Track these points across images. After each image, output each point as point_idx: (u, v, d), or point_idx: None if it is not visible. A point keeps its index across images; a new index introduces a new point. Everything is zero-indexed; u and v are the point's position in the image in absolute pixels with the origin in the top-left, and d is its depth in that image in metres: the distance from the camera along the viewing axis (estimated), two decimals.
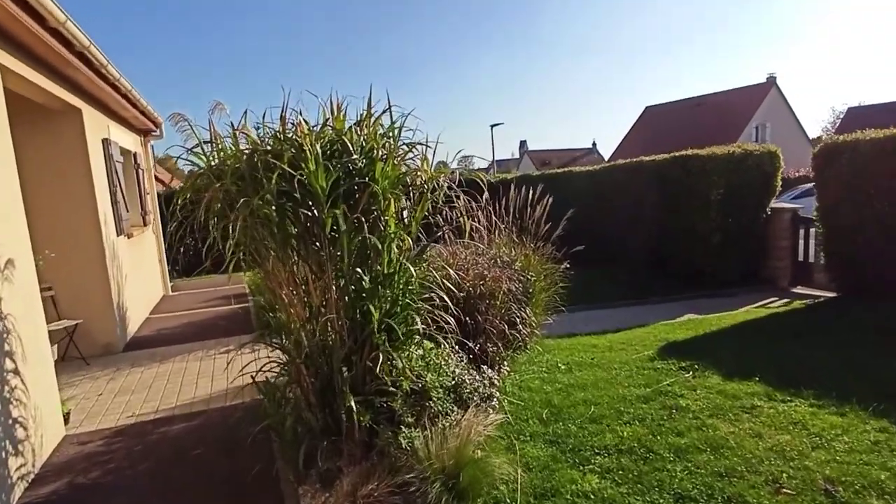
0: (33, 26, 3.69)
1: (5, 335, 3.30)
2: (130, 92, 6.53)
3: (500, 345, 4.57)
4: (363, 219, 2.96)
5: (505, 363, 4.61)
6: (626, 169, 10.76)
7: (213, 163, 3.37)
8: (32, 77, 4.32)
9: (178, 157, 3.38)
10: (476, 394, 3.36)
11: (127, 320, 6.77)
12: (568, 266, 5.34)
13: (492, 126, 29.96)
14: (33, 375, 3.60)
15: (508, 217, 5.39)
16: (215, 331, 6.98)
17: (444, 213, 4.08)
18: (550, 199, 5.29)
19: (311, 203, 3.00)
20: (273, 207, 2.92)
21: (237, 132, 3.33)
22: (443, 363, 3.39)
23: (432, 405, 3.09)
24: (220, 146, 3.38)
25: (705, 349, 5.08)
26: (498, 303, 4.59)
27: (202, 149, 3.36)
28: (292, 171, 2.84)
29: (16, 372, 3.37)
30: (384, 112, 3.36)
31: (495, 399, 3.43)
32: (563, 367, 4.77)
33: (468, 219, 3.88)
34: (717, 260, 8.90)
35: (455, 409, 3.22)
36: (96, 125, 6.34)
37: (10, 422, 3.23)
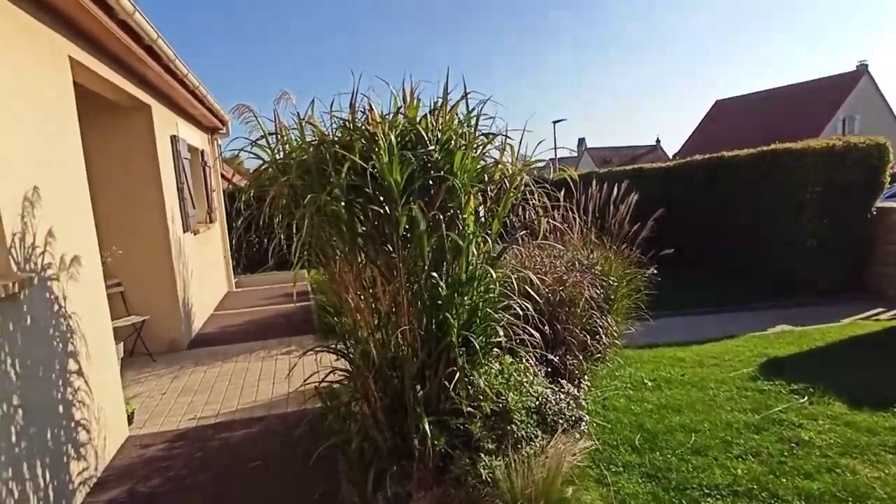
0: (101, 17, 3.60)
1: (70, 335, 3.21)
2: (198, 88, 6.52)
3: (580, 357, 4.13)
4: (440, 216, 2.63)
5: (585, 377, 4.17)
6: (704, 165, 9.93)
7: (277, 156, 3.14)
8: (102, 71, 4.28)
9: (239, 150, 3.16)
10: (562, 416, 2.95)
11: (192, 317, 6.80)
12: (655, 271, 4.80)
13: (554, 122, 29.39)
14: (98, 376, 3.51)
15: (587, 216, 4.92)
16: (277, 329, 6.90)
17: (518, 211, 3.70)
18: (636, 197, 4.77)
19: (383, 199, 2.70)
20: (342, 204, 2.63)
21: (303, 123, 3.07)
22: (524, 380, 3.00)
23: (515, 429, 2.71)
24: (285, 138, 3.14)
25: (816, 368, 4.42)
26: (579, 310, 4.15)
27: (266, 140, 3.13)
28: (364, 164, 2.54)
29: (80, 373, 3.27)
30: (461, 99, 3.02)
31: (584, 422, 3.01)
32: (649, 384, 4.26)
33: (544, 218, 3.47)
34: (812, 266, 7.99)
35: (539, 433, 2.84)
36: (165, 122, 6.37)
37: (73, 424, 3.13)
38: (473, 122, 2.99)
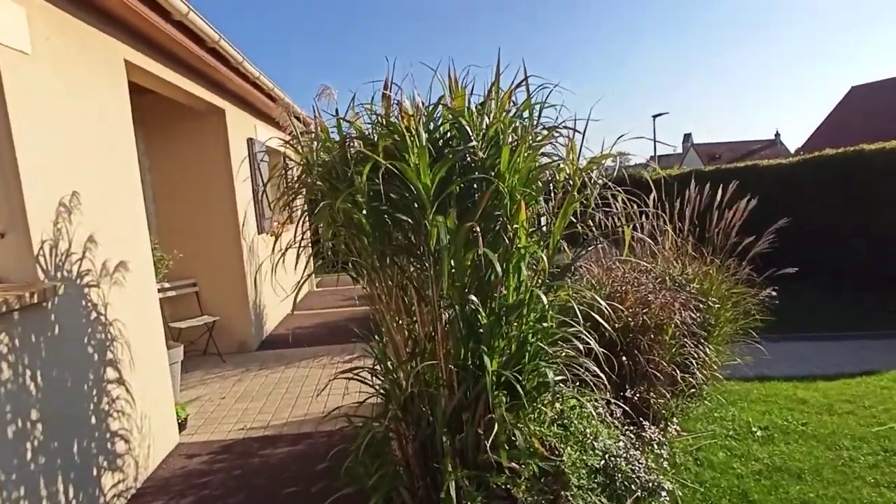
0: (155, 19, 3.52)
1: (109, 343, 3.12)
2: (273, 90, 6.52)
3: (667, 394, 3.43)
4: (479, 228, 2.14)
5: (674, 419, 3.45)
6: (838, 161, 8.42)
7: (312, 157, 2.82)
8: (164, 74, 4.26)
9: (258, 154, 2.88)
10: (635, 483, 2.34)
11: (264, 318, 6.84)
12: (774, 294, 3.91)
13: (654, 116, 26.88)
14: (142, 384, 3.42)
15: (683, 224, 4.14)
16: (343, 334, 6.74)
17: (598, 218, 3.10)
18: (751, 203, 3.92)
19: (416, 206, 2.27)
20: (363, 211, 2.23)
21: (341, 120, 2.72)
22: (588, 430, 2.42)
23: (571, 498, 2.15)
24: (323, 137, 2.81)
25: None
26: (667, 338, 3.45)
27: (298, 140, 2.83)
28: (391, 165, 2.13)
29: (119, 381, 3.19)
30: (519, 85, 2.50)
31: (664, 492, 2.36)
32: (759, 433, 3.45)
33: (628, 225, 2.83)
34: None
35: (604, 501, 2.25)
36: (241, 125, 6.43)
37: (108, 435, 3.03)
38: (529, 112, 2.47)
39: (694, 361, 3.57)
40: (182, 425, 4.10)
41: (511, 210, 2.27)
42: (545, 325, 2.30)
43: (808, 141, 30.90)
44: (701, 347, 3.67)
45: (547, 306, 2.13)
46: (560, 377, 2.33)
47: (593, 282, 3.58)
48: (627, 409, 3.15)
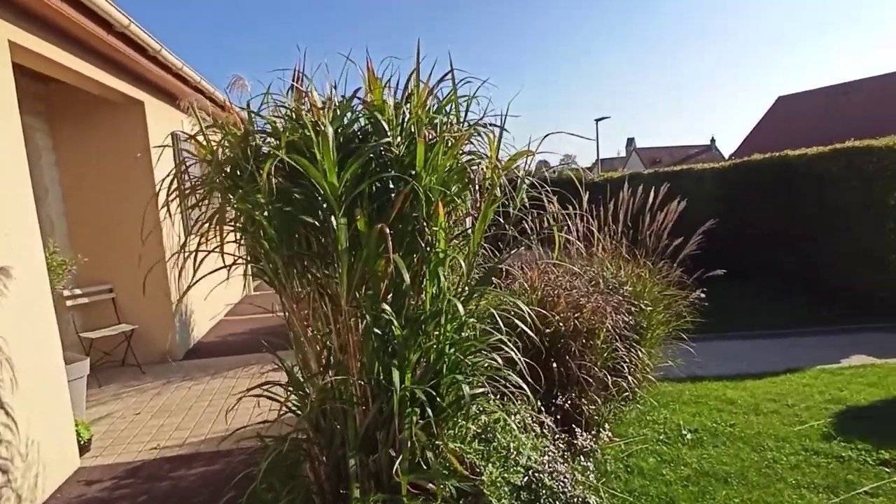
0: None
1: None
2: (200, 83, 6.12)
3: (599, 399, 3.38)
4: (395, 231, 1.97)
5: (606, 425, 3.40)
6: (765, 166, 8.78)
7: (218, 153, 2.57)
8: (69, 62, 3.86)
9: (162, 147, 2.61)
10: (560, 498, 2.23)
11: (191, 324, 6.42)
12: (703, 296, 3.95)
13: (597, 120, 27.53)
14: (28, 405, 3.05)
15: (617, 226, 4.13)
16: (279, 339, 6.42)
17: (531, 219, 3.00)
18: (681, 205, 3.94)
19: (326, 206, 2.07)
20: (265, 213, 2.02)
21: (252, 113, 2.49)
22: (512, 444, 2.30)
23: None
24: (227, 132, 2.56)
25: None
26: (599, 342, 3.39)
27: (204, 135, 2.57)
28: (292, 161, 1.93)
29: None
30: (443, 78, 2.35)
31: None
32: (688, 436, 3.45)
33: (561, 227, 2.73)
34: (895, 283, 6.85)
35: None
36: (165, 118, 6.00)
37: None
38: (455, 106, 2.33)
39: (626, 365, 3.54)
40: (85, 447, 3.71)
41: (428, 211, 2.12)
42: (464, 334, 2.16)
43: (739, 147, 32.57)
44: (633, 351, 3.64)
45: (464, 316, 1.98)
46: (482, 389, 2.19)
47: (526, 285, 3.48)
48: (559, 416, 3.08)
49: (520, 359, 2.11)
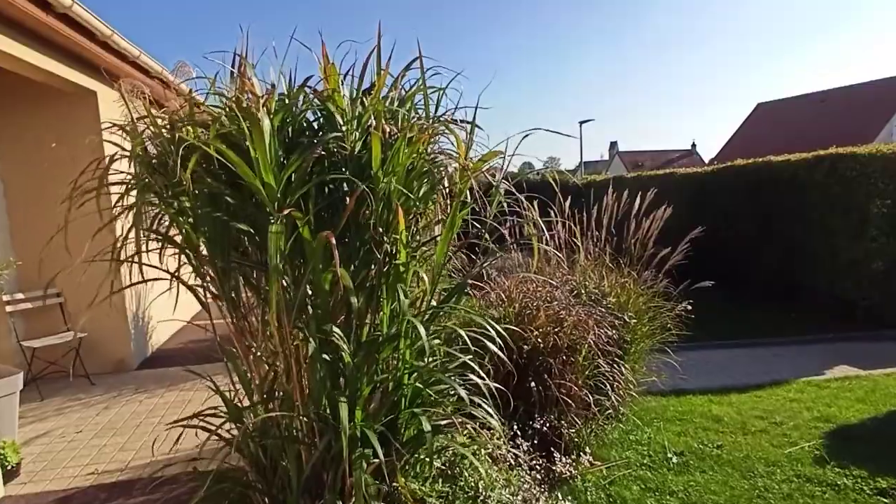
0: None
1: None
2: (162, 73, 5.73)
3: (579, 421, 3.13)
4: (345, 241, 1.69)
5: (587, 448, 3.15)
6: (748, 171, 8.69)
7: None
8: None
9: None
10: None
11: (149, 331, 6.03)
12: (689, 308, 3.73)
13: (580, 123, 27.35)
14: None
15: (601, 233, 3.89)
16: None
17: (511, 225, 2.74)
18: (667, 211, 3.71)
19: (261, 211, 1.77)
20: (189, 219, 1.72)
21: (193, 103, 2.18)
22: (480, 482, 2.03)
23: None
24: (151, 122, 2.25)
25: None
26: (580, 359, 3.14)
27: (133, 126, 2.26)
28: (218, 156, 1.63)
29: None
30: (409, 65, 2.08)
31: None
32: (674, 459, 3.21)
33: (541, 237, 2.46)
34: (876, 292, 6.77)
35: None
36: (123, 111, 5.60)
37: None
38: (425, 98, 2.05)
39: (608, 383, 3.29)
40: (13, 472, 3.34)
41: (388, 217, 1.83)
42: (426, 360, 1.87)
43: (720, 152, 32.95)
44: (617, 367, 3.40)
45: (426, 339, 1.71)
46: (447, 421, 1.91)
47: (503, 296, 3.22)
48: (536, 441, 2.82)
49: (489, 385, 1.83)
